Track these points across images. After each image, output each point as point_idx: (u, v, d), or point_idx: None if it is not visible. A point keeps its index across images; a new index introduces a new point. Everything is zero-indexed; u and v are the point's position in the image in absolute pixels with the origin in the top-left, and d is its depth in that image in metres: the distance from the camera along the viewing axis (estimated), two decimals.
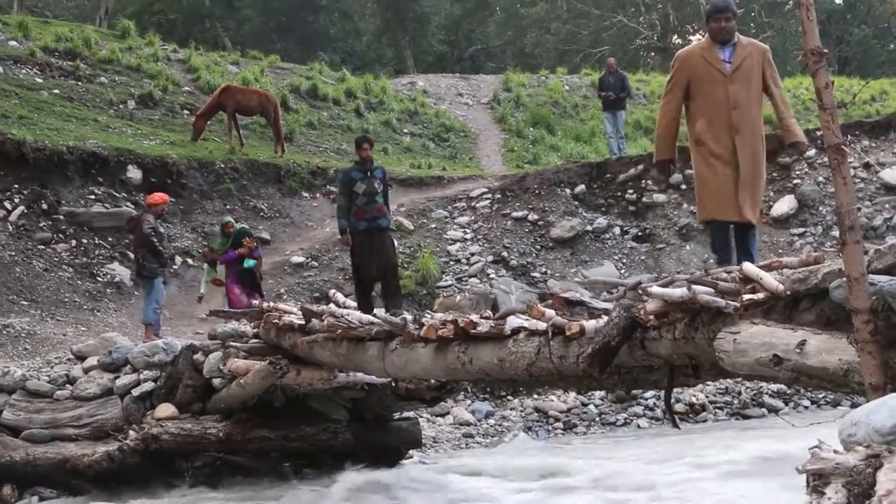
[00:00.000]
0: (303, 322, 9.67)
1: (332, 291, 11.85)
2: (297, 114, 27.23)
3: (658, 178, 20.34)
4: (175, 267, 18.54)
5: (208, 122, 23.17)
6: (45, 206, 18.16)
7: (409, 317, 8.31)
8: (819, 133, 17.85)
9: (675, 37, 53.69)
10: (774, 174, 19.65)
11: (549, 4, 51.69)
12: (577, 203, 20.44)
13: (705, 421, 14.58)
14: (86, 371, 12.06)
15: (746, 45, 8.43)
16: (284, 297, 17.10)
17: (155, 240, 14.29)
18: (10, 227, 17.62)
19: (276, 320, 10.21)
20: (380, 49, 53.54)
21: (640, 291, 5.73)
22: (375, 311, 9.29)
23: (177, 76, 27.47)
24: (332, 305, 9.56)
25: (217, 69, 29.32)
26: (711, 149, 8.19)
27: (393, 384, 11.16)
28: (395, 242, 13.66)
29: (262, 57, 33.40)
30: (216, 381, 10.95)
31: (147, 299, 14.45)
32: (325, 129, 27.50)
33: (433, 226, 20.02)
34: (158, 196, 15.27)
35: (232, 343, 10.87)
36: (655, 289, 5.40)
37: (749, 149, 8.19)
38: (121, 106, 24.56)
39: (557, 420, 14.67)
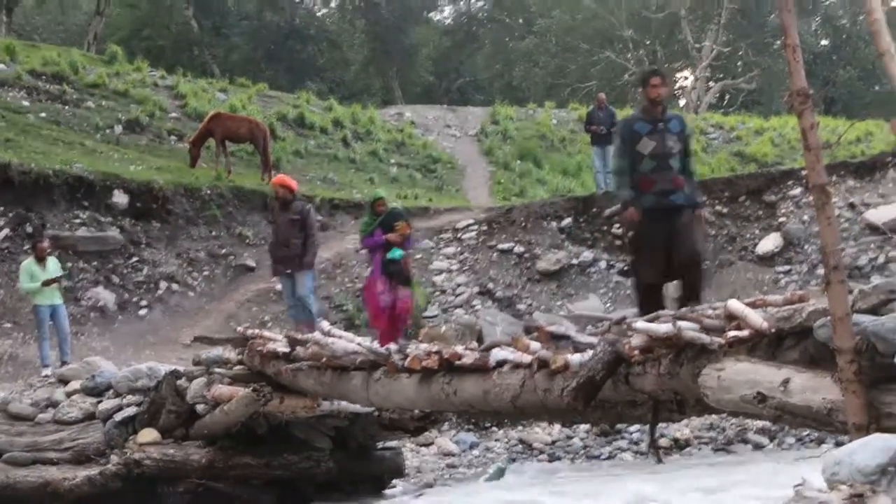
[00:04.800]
0: (287, 350, 9.66)
1: (317, 319, 11.71)
2: (283, 142, 27.31)
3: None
4: (159, 292, 18.51)
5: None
6: (29, 230, 18.13)
7: (393, 347, 8.32)
8: (804, 173, 17.94)
9: None
10: (760, 212, 19.76)
11: (537, 38, 52.03)
12: (563, 236, 20.49)
13: (691, 455, 14.55)
14: (68, 395, 12.02)
15: None
16: (269, 324, 17.08)
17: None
18: None
19: (261, 347, 10.20)
20: (367, 79, 53.79)
21: (624, 326, 5.77)
22: (359, 340, 9.25)
23: (164, 102, 27.55)
24: (316, 334, 9.55)
25: (205, 96, 29.43)
26: None
27: (377, 414, 11.15)
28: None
29: (249, 85, 33.56)
30: (200, 408, 10.90)
31: None
32: (312, 157, 27.57)
33: (419, 256, 19.99)
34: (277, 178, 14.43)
35: (216, 369, 10.83)
36: (640, 324, 5.44)
37: None
38: (107, 131, 24.59)
39: (542, 452, 14.64)
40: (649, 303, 8.75)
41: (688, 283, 9.17)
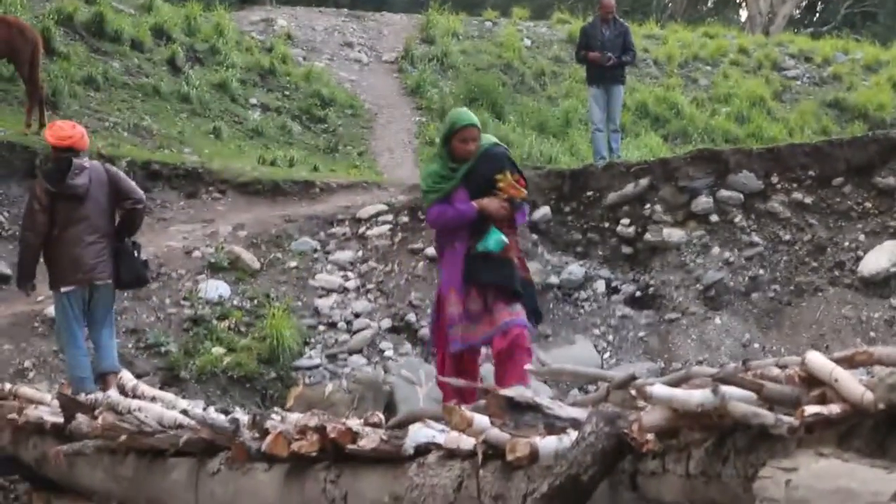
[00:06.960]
0: (60, 420, 9.59)
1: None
2: (67, 62, 27.05)
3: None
4: None
5: None
6: None
7: (243, 417, 8.25)
8: None
9: None
10: (868, 204, 19.74)
11: None
12: (535, 237, 20.47)
13: None
14: None
15: None
16: (31, 373, 16.88)
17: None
18: None
19: (14, 415, 10.11)
20: None
21: (633, 392, 5.76)
22: (185, 404, 9.17)
23: None
24: (111, 392, 9.49)
25: None
26: None
27: None
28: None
29: None
30: None
31: None
32: (117, 90, 27.40)
33: (293, 264, 19.84)
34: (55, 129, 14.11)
35: None
36: (660, 388, 5.38)
37: None
38: None
39: None
40: None
41: None
